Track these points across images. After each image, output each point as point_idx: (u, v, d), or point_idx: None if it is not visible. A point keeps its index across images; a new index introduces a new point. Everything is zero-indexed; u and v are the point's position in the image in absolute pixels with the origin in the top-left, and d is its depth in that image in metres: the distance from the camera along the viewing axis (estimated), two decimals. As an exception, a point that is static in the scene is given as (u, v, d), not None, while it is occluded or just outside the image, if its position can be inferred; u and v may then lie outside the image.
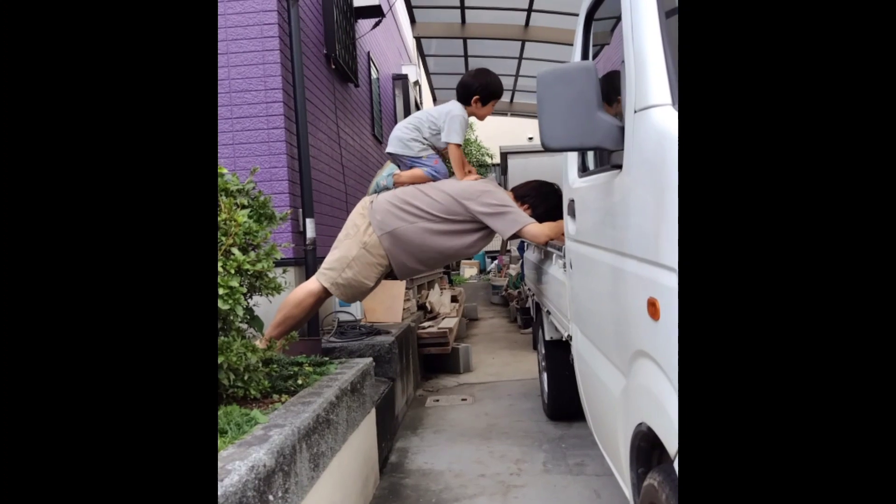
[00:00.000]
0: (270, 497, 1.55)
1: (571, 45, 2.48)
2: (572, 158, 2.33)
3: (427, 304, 5.77)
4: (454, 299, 7.00)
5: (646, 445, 1.49)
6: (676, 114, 1.26)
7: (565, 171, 2.42)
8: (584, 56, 2.26)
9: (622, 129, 1.54)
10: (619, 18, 1.97)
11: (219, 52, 3.95)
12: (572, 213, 2.27)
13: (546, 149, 1.64)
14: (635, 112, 1.44)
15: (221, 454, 1.56)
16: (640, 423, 1.45)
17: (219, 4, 3.95)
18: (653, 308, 1.32)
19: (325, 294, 3.17)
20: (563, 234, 2.67)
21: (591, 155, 2.20)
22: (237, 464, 1.47)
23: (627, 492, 1.69)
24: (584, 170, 2.20)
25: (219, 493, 1.31)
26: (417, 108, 9.69)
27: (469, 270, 12.32)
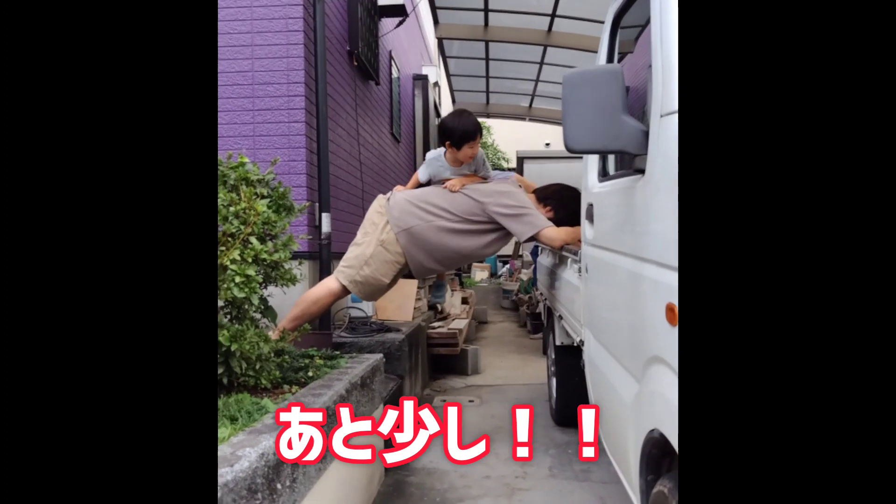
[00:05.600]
0: (278, 485, 1.55)
1: (593, 51, 2.48)
2: (592, 163, 2.32)
3: (438, 305, 5.76)
4: (465, 301, 6.99)
5: (657, 452, 1.48)
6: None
7: (585, 175, 2.41)
8: (610, 61, 2.25)
9: (647, 134, 1.53)
10: (644, 25, 1.96)
11: (243, 44, 3.97)
12: (590, 218, 2.26)
13: (569, 151, 1.63)
14: (661, 116, 1.43)
15: (232, 440, 1.57)
16: (653, 430, 1.44)
17: (246, -3, 3.98)
18: (671, 314, 1.31)
19: (343, 293, 3.18)
20: (579, 240, 2.66)
21: (611, 159, 2.19)
22: (248, 450, 1.48)
23: (635, 499, 1.68)
24: (604, 174, 2.19)
25: (229, 477, 1.31)
26: (436, 109, 9.70)
27: (480, 273, 12.30)
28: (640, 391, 1.57)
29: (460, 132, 3.14)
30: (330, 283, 3.18)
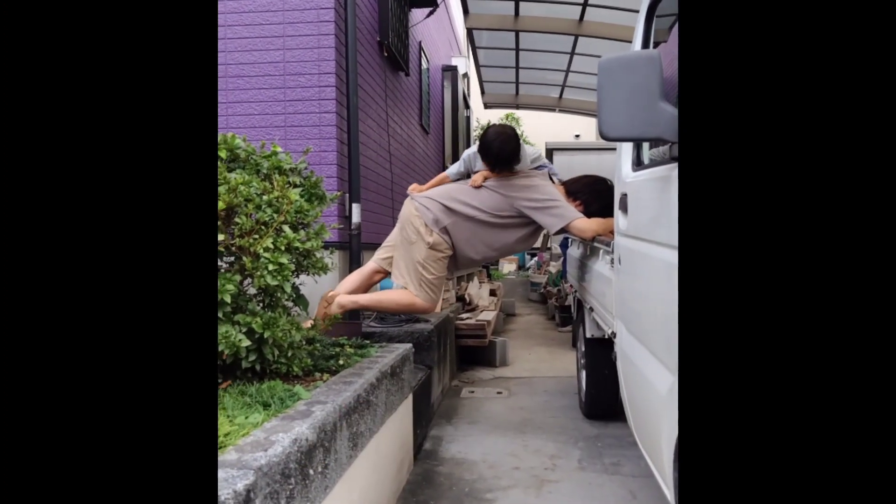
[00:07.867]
0: (311, 471, 1.56)
1: (625, 41, 2.45)
2: (626, 152, 2.29)
3: (466, 297, 5.76)
4: (493, 293, 6.97)
5: (692, 445, 1.45)
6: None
7: (618, 165, 2.38)
8: (645, 48, 2.21)
9: (685, 121, 1.50)
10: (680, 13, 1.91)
11: (275, 35, 4.00)
12: (624, 208, 2.23)
13: (604, 138, 1.60)
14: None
15: (265, 426, 1.58)
16: (688, 423, 1.42)
17: (278, -12, 4.00)
18: (709, 304, 1.29)
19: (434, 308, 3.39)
20: (611, 231, 2.62)
21: (646, 148, 2.16)
22: (281, 436, 1.49)
23: (668, 493, 1.66)
24: (638, 163, 2.15)
25: (263, 461, 1.33)
26: (465, 100, 9.66)
27: (508, 266, 12.27)
28: (674, 383, 1.55)
29: (480, 145, 3.24)
30: (417, 302, 3.30)
